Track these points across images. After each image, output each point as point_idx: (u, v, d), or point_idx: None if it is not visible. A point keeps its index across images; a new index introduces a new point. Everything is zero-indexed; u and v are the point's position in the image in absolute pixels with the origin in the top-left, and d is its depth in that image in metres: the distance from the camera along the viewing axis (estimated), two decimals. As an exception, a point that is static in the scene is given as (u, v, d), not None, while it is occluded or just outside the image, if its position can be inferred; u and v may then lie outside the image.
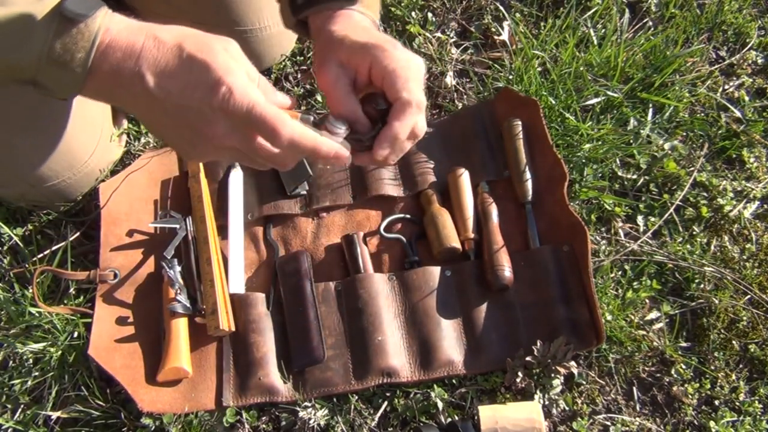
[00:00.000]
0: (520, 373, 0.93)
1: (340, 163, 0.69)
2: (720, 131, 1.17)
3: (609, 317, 0.99)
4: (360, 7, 0.77)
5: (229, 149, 0.67)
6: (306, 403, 0.94)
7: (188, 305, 0.99)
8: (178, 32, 0.63)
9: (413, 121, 0.70)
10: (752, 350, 0.99)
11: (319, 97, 1.22)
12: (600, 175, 1.11)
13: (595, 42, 1.23)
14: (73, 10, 0.60)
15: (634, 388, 0.98)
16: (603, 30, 1.26)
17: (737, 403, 0.96)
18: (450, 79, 1.23)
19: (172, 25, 0.64)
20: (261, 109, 0.62)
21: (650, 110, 1.16)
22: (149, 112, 0.65)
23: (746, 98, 1.21)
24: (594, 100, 1.16)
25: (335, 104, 0.72)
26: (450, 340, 0.98)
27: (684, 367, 0.99)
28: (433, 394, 0.94)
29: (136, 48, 0.61)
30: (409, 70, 0.70)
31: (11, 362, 1.00)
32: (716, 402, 0.97)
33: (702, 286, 1.03)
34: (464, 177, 1.08)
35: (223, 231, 1.07)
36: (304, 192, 1.10)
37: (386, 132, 0.70)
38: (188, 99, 0.62)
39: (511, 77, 1.20)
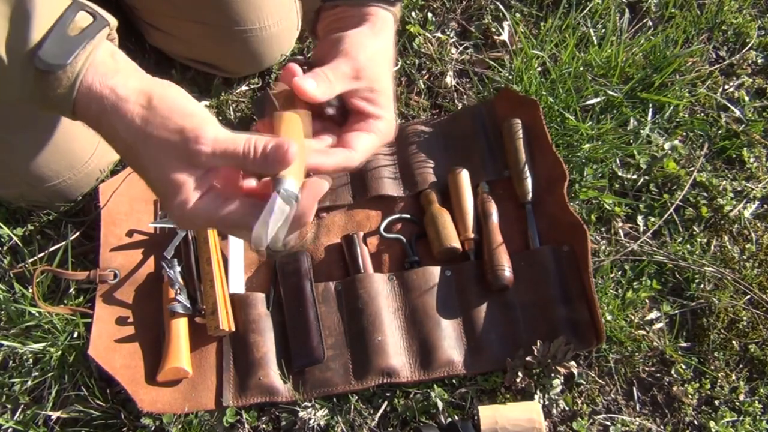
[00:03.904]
0: (520, 373, 0.93)
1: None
2: (720, 131, 1.17)
3: (609, 317, 0.99)
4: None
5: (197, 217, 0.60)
6: (306, 403, 0.94)
7: (188, 305, 0.99)
8: (148, 83, 0.59)
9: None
10: (752, 350, 0.99)
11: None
12: (600, 175, 1.11)
13: (595, 42, 1.23)
14: (47, 62, 0.55)
15: (634, 388, 0.98)
16: (603, 30, 1.26)
17: (737, 403, 0.96)
18: (450, 79, 1.23)
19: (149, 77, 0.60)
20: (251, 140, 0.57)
21: (650, 110, 1.16)
22: (129, 158, 0.63)
23: (746, 98, 1.21)
24: (594, 100, 1.16)
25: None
26: (450, 340, 0.98)
27: (684, 367, 0.99)
28: (433, 394, 0.94)
29: (107, 102, 0.57)
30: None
31: (11, 362, 1.00)
32: (716, 402, 0.96)
33: (702, 286, 1.03)
34: (464, 177, 1.08)
35: (223, 231, 1.07)
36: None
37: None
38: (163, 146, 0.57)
39: (511, 77, 1.20)
